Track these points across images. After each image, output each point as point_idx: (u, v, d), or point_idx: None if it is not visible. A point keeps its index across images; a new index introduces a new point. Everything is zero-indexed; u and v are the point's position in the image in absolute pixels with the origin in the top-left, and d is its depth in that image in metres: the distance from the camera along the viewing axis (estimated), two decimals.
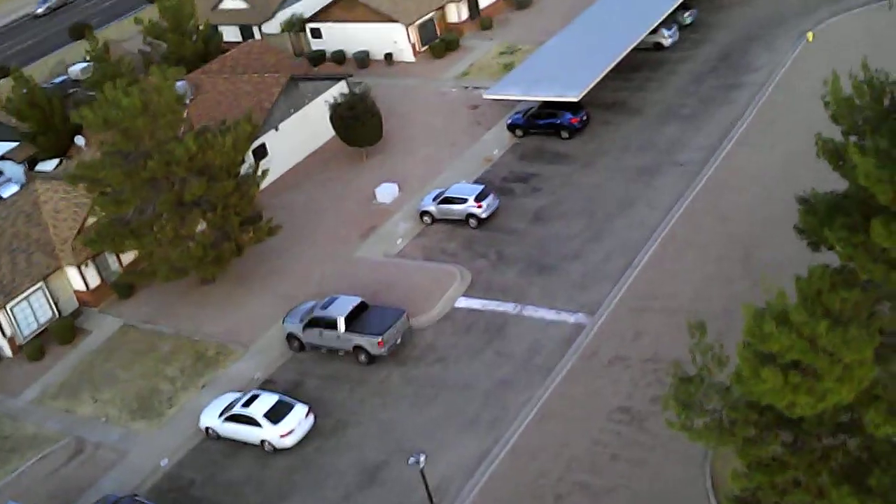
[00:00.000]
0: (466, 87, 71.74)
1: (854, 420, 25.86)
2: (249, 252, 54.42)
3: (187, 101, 64.67)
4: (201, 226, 51.60)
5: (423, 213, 56.46)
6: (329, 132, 64.67)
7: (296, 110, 64.98)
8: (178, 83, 64.10)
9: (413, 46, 78.07)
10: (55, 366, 51.84)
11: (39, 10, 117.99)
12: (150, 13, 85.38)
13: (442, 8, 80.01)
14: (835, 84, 29.30)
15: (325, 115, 63.70)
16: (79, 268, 54.23)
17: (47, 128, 69.71)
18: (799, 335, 22.14)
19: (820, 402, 23.18)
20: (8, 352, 53.13)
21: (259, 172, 53.21)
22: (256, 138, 61.70)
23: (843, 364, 22.66)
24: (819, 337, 21.98)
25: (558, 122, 61.68)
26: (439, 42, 77.83)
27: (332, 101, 63.18)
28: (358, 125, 62.28)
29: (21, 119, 70.85)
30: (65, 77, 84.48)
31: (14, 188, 65.48)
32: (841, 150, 26.53)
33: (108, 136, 48.28)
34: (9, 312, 52.63)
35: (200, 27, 79.70)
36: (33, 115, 70.03)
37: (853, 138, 27.67)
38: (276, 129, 63.79)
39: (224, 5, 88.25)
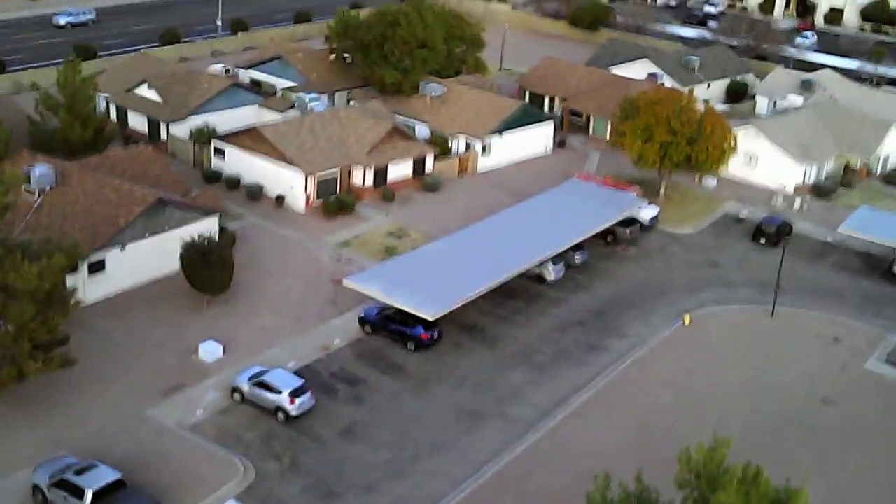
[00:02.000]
0: (339, 260, 69.23)
1: None
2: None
3: (47, 188, 61.49)
4: None
5: (235, 389, 53.06)
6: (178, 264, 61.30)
7: (151, 234, 61.59)
8: (43, 170, 61.24)
9: (308, 198, 75.66)
10: None
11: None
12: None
13: (349, 168, 78.03)
14: (602, 483, 27.39)
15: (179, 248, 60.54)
16: None
17: None
18: None
19: None
20: None
21: (72, 302, 49.42)
22: (99, 251, 58.52)
23: None
24: None
25: (408, 332, 59.16)
26: (334, 200, 75.57)
27: (188, 238, 60.07)
28: (206, 272, 59.18)
29: None
30: None
31: None
32: None
33: None
34: None
35: (105, 106, 76.69)
36: None
37: None
38: (122, 249, 60.28)
39: (139, 91, 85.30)
